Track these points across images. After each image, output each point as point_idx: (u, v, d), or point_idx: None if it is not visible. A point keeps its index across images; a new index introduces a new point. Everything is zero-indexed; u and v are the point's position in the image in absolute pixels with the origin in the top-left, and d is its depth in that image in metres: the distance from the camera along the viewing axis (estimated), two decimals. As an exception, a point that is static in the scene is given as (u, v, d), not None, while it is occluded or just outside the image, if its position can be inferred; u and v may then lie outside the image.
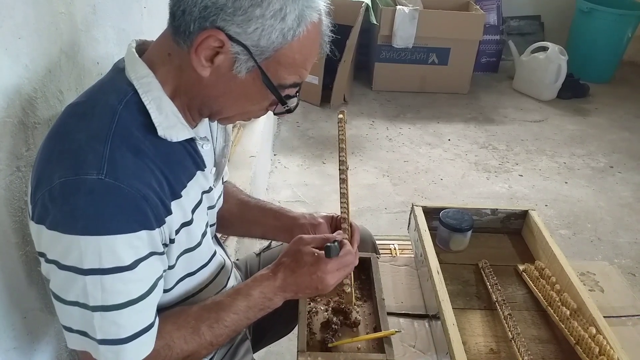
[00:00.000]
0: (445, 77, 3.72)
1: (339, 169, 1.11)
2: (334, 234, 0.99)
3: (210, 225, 0.99)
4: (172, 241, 0.79)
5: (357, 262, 1.05)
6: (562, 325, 1.04)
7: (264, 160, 2.52)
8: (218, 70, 0.75)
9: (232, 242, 1.68)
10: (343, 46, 3.24)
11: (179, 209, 0.80)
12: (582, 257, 2.30)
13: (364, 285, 1.18)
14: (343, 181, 1.10)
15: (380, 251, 1.96)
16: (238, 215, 1.16)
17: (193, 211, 0.85)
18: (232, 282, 1.05)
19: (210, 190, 0.91)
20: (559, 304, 1.07)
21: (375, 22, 3.44)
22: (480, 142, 3.22)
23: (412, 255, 1.32)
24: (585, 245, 2.40)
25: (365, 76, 3.85)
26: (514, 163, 3.02)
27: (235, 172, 2.05)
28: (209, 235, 0.92)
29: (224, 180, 1.20)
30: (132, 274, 0.70)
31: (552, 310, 1.09)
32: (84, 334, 0.72)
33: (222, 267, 0.99)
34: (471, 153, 3.09)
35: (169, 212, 0.76)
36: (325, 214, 1.11)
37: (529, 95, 3.82)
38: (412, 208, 1.33)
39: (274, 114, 0.84)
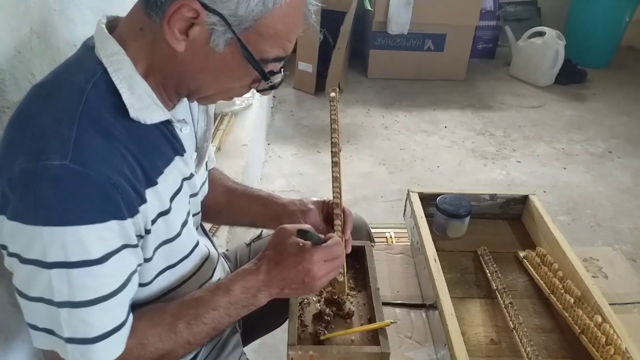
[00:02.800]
0: (442, 63, 3.66)
1: (331, 151, 1.05)
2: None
3: (194, 214, 0.94)
4: (147, 232, 0.74)
5: (349, 251, 1.00)
6: (566, 314, 1.00)
7: (257, 149, 2.47)
8: (194, 44, 0.69)
9: (223, 232, 1.63)
10: (337, 33, 3.17)
11: (155, 197, 0.74)
12: (582, 243, 2.25)
13: (358, 274, 1.13)
14: (335, 164, 1.04)
15: (376, 240, 1.92)
16: (225, 204, 1.11)
17: (172, 199, 0.79)
18: (218, 274, 1.00)
19: (191, 176, 0.86)
20: (562, 291, 1.02)
21: (370, 8, 3.37)
22: (477, 128, 3.17)
23: (408, 243, 1.27)
24: (585, 231, 2.36)
25: (360, 64, 3.79)
26: (512, 149, 2.97)
27: (227, 161, 2.00)
28: (190, 225, 0.86)
29: (211, 167, 1.15)
30: (102, 268, 0.65)
31: (554, 298, 1.04)
32: (50, 332, 0.67)
33: (207, 258, 0.94)
34: (468, 140, 3.04)
35: (143, 201, 0.71)
36: (316, 199, 1.06)
37: (526, 81, 3.77)
38: (408, 194, 1.28)
39: (257, 92, 0.78)
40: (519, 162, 2.86)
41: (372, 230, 1.84)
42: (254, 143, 2.30)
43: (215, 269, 0.99)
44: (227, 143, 2.13)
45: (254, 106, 2.45)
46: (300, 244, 0.85)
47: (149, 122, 0.73)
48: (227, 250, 1.29)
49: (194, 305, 0.80)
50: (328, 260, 0.85)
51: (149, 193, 0.73)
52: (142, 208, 0.71)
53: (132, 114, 0.71)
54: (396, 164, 2.77)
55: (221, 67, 0.72)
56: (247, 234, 1.48)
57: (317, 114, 3.17)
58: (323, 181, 2.57)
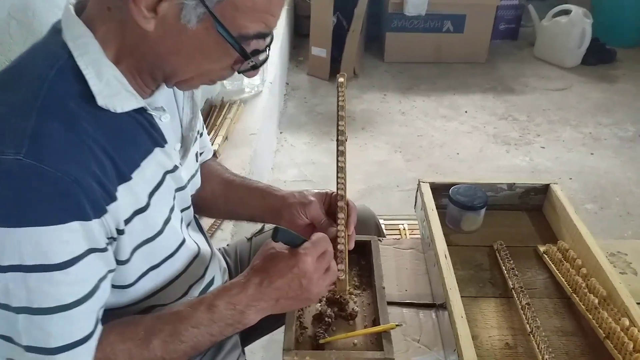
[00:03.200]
0: (461, 45, 3.52)
1: (337, 140, 0.98)
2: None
3: (183, 209, 0.87)
4: (121, 232, 0.68)
5: (352, 247, 0.93)
6: (590, 316, 0.91)
7: (266, 138, 2.40)
8: (164, 22, 0.62)
9: (228, 225, 1.57)
10: (351, 15, 3.07)
11: (129, 194, 0.68)
12: (610, 233, 2.13)
13: (363, 271, 1.06)
14: (341, 153, 0.97)
15: (389, 232, 1.83)
16: (222, 196, 1.04)
17: (151, 195, 0.73)
18: (212, 273, 0.94)
19: (175, 169, 0.79)
20: (586, 290, 0.93)
21: (385, -11, 3.26)
22: (499, 113, 3.04)
23: (420, 237, 1.19)
24: (614, 220, 2.23)
25: (376, 47, 3.68)
26: (536, 134, 2.85)
27: (235, 151, 1.94)
28: (174, 222, 0.80)
29: (207, 158, 1.09)
30: (64, 274, 0.59)
31: (577, 298, 0.95)
32: (8, 339, 0.61)
33: (196, 255, 0.87)
34: (489, 125, 2.92)
35: (113, 199, 0.64)
36: (317, 191, 0.99)
37: (551, 62, 3.61)
38: (419, 185, 1.20)
39: (239, 73, 0.71)
40: (543, 147, 2.73)
41: (385, 222, 1.77)
42: (263, 132, 2.23)
43: (207, 267, 0.93)
44: (235, 132, 2.06)
45: (264, 93, 2.38)
46: (290, 248, 0.78)
47: (119, 110, 0.66)
48: (227, 245, 1.22)
49: (171, 320, 0.73)
50: (320, 257, 0.78)
51: (121, 190, 0.66)
52: (111, 207, 0.64)
53: (100, 101, 0.64)
54: (413, 151, 2.67)
55: (196, 47, 0.65)
56: (253, 227, 1.41)
57: (332, 101, 3.08)
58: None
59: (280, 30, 3.06)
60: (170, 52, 0.66)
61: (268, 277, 0.75)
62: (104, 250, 0.65)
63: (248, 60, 0.66)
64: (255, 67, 0.69)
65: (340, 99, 1.00)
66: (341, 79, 1.01)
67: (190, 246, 0.85)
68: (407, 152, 2.66)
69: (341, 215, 0.92)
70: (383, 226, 1.78)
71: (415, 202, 1.24)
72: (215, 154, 1.86)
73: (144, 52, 0.66)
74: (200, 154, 1.04)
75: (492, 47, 3.64)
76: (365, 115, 2.96)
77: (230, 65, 0.70)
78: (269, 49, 0.70)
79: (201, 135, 1.02)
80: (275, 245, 0.78)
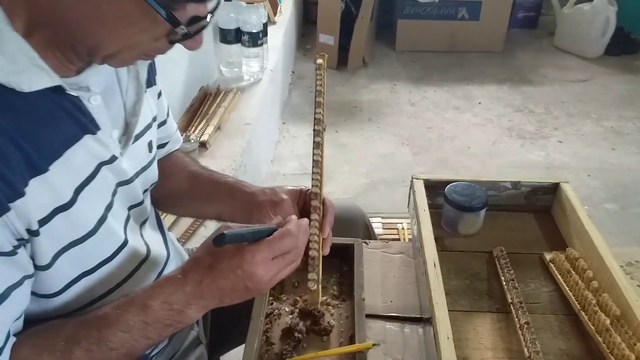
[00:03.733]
0: (477, 34, 3.36)
1: (314, 130, 0.86)
2: (275, 221, 0.74)
3: (131, 207, 0.76)
4: (34, 234, 0.57)
5: (326, 252, 0.82)
6: (599, 338, 0.78)
7: (265, 128, 2.28)
8: None
9: (211, 222, 1.46)
10: (360, 1, 2.93)
11: (45, 189, 0.57)
12: (631, 235, 1.98)
13: (344, 279, 0.94)
14: (318, 145, 0.85)
15: (387, 231, 1.71)
16: (187, 192, 0.93)
17: (78, 190, 0.62)
18: None
19: (113, 160, 0.68)
20: (596, 308, 0.80)
21: (397, -26, 3.11)
22: (515, 105, 2.88)
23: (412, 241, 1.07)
24: (635, 221, 2.07)
25: (387, 35, 3.53)
26: (553, 128, 2.69)
27: (226, 142, 1.83)
28: (112, 221, 0.69)
29: (174, 149, 0.98)
30: None
31: (586, 317, 0.82)
32: None
33: (145, 259, 0.77)
34: (504, 117, 2.77)
35: (19, 194, 0.54)
36: (291, 187, 0.87)
37: (572, 52, 3.43)
38: (412, 182, 1.07)
39: (170, 43, 0.60)
40: (561, 142, 2.57)
41: (383, 221, 1.65)
42: (260, 122, 2.12)
43: (162, 272, 0.82)
44: (229, 122, 1.95)
45: (263, 81, 2.26)
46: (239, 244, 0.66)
47: (27, 89, 0.55)
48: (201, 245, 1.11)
49: (97, 325, 0.62)
50: (277, 257, 0.67)
51: (33, 184, 0.56)
52: (17, 204, 0.54)
53: (2, 78, 0.54)
54: (422, 144, 2.53)
55: (118, 13, 0.54)
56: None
57: (339, 91, 2.96)
58: (339, 163, 2.37)
59: (287, 17, 2.94)
60: (89, 20, 0.55)
61: (209, 275, 0.64)
62: (10, 254, 0.55)
63: (176, 26, 0.55)
64: (188, 36, 0.58)
65: (318, 83, 0.88)
66: (320, 61, 0.89)
67: (135, 248, 0.75)
68: (415, 145, 2.52)
69: (315, 216, 0.80)
70: (380, 225, 1.67)
71: (409, 201, 1.12)
72: (205, 145, 1.77)
73: (59, 22, 0.56)
74: (165, 144, 0.94)
75: (510, 36, 3.47)
76: (373, 105, 2.83)
77: (165, 35, 0.58)
78: (212, 16, 0.59)
79: (164, 122, 0.91)
80: None
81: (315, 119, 0.87)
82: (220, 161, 1.72)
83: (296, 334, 0.82)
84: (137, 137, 0.76)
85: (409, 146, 2.52)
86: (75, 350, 0.60)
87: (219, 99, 2.00)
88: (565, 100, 2.93)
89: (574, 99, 2.93)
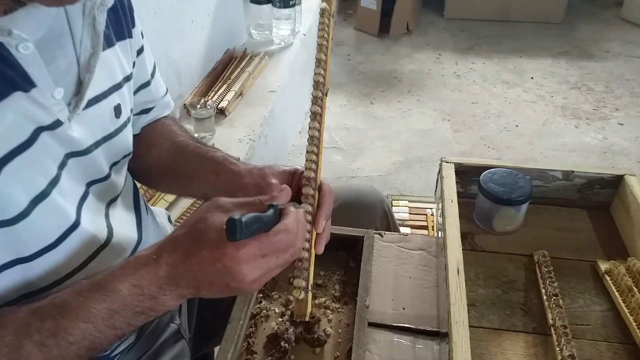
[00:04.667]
0: (534, 2, 3.08)
1: (313, 95, 0.69)
2: (279, 197, 0.59)
3: (91, 183, 0.64)
4: None
5: (320, 251, 0.67)
6: (666, 381, 0.61)
7: (294, 97, 2.13)
8: None
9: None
10: (406, -38, 2.70)
11: None
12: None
13: (349, 278, 0.80)
14: (315, 116, 0.69)
15: (414, 217, 1.53)
16: (170, 166, 0.79)
17: (5, 160, 0.50)
18: None
19: (57, 125, 0.55)
20: (664, 340, 0.63)
21: None
22: (572, 81, 2.61)
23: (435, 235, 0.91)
24: None
25: (435, 1, 3.27)
26: (614, 108, 2.41)
27: (248, 110, 1.69)
28: (58, 199, 0.56)
29: (163, 115, 0.85)
30: None
31: (649, 350, 0.65)
32: None
33: (104, 244, 0.64)
34: (558, 95, 2.51)
35: None
36: (283, 168, 0.72)
37: (641, 25, 3.09)
38: (441, 166, 0.90)
39: None
40: (622, 124, 2.31)
41: (411, 205, 1.48)
42: (288, 90, 1.96)
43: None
44: (253, 88, 1.81)
45: (294, 46, 2.09)
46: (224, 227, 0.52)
47: None
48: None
49: (53, 314, 0.51)
50: (268, 256, 0.54)
51: None
52: None
53: None
54: (464, 121, 2.32)
55: None
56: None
57: (378, 59, 2.76)
58: (372, 138, 2.19)
59: (326, -22, 2.73)
60: None
61: (185, 261, 0.52)
62: None
63: None
64: None
65: (320, 35, 0.70)
66: (324, 4, 0.70)
67: (90, 232, 0.62)
68: (457, 121, 2.31)
69: (307, 206, 0.64)
70: (407, 209, 1.50)
71: (436, 188, 0.95)
72: (223, 112, 1.63)
73: None
74: (149, 109, 0.80)
75: (571, 6, 3.16)
76: (414, 76, 2.62)
77: None
78: None
79: (147, 84, 0.78)
80: (208, 217, 0.53)
81: (314, 81, 0.70)
82: (238, 130, 1.58)
83: (282, 343, 0.68)
84: (97, 100, 0.62)
85: (450, 122, 2.31)
86: (27, 344, 0.49)
87: (244, 63, 1.86)
88: (629, 77, 2.63)
89: (641, 77, 2.64)
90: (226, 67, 1.85)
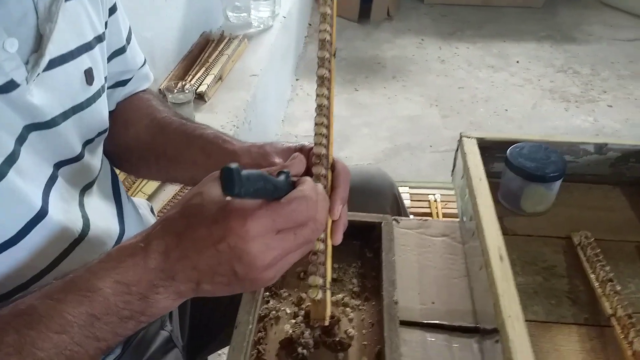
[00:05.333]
0: (515, -14, 3.02)
1: (319, 57, 0.58)
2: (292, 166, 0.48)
3: (59, 164, 0.52)
4: None
5: (338, 241, 0.56)
6: None
7: (276, 83, 2.01)
8: None
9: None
10: (386, -56, 2.61)
11: None
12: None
13: (367, 271, 0.69)
14: (323, 82, 0.58)
15: (416, 204, 1.44)
16: (151, 147, 0.67)
17: None
18: None
19: (12, 87, 0.43)
20: None
21: None
22: (557, 65, 2.56)
23: (457, 219, 0.81)
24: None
25: (415, -13, 3.20)
26: (601, 91, 2.37)
27: (229, 94, 1.57)
28: (17, 181, 0.45)
29: (142, 88, 0.73)
30: None
31: None
32: None
33: (80, 238, 0.52)
34: (545, 78, 2.45)
35: None
36: (287, 145, 0.61)
37: (621, 8, 3.07)
38: (461, 141, 0.80)
39: None
40: (611, 106, 2.27)
41: (411, 191, 1.37)
42: (270, 74, 1.84)
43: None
44: (232, 72, 1.68)
45: (274, 29, 1.98)
46: (227, 199, 0.40)
47: None
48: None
49: (16, 324, 0.38)
50: (284, 232, 0.42)
51: None
52: None
53: None
54: (452, 106, 2.24)
55: None
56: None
57: (359, 45, 2.66)
58: (358, 125, 2.09)
59: (303, -39, 2.62)
60: None
61: (179, 245, 0.40)
62: None
63: None
64: None
65: None
66: None
67: (62, 224, 0.50)
68: (445, 107, 2.23)
69: (319, 186, 0.53)
70: (407, 196, 1.40)
71: (454, 167, 0.85)
72: (203, 97, 1.50)
73: None
74: (126, 81, 0.68)
75: (551, -10, 3.12)
76: (397, 62, 2.53)
77: None
78: None
79: (122, 50, 0.66)
80: (204, 191, 0.41)
81: (319, 40, 0.58)
82: (220, 116, 1.46)
83: (300, 349, 0.57)
84: (63, 60, 0.50)
85: (437, 107, 2.23)
86: None
87: (222, 46, 1.73)
88: (614, 60, 2.60)
89: (625, 60, 2.60)
90: (203, 50, 1.72)
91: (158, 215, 0.91)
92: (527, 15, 3.00)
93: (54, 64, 0.48)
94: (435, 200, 1.29)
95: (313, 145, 0.57)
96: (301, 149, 0.59)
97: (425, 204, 1.29)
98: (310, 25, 2.85)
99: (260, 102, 1.71)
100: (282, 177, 0.43)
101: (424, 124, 2.13)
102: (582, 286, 0.66)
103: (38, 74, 0.46)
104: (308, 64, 2.53)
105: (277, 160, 0.57)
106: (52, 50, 0.47)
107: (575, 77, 2.47)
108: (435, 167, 1.87)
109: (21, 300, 0.40)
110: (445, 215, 1.29)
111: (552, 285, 0.67)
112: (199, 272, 0.40)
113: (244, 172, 0.36)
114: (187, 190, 1.17)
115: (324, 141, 0.56)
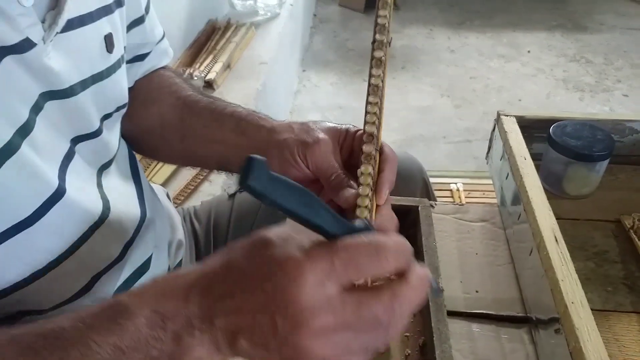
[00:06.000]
0: (524, -26, 2.96)
1: (377, 41, 0.53)
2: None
3: (77, 140, 0.47)
4: None
5: (393, 227, 0.49)
6: None
7: (283, 73, 1.96)
8: None
9: (219, 177, 1.16)
10: None
11: None
12: None
13: (405, 257, 0.63)
14: (379, 64, 0.52)
15: (437, 193, 1.39)
16: (176, 127, 0.61)
17: None
18: (147, 251, 0.54)
19: (28, 47, 0.38)
20: None
21: None
22: (570, 54, 2.51)
23: (494, 203, 0.76)
24: None
25: (422, -23, 3.14)
26: (616, 80, 2.32)
27: (238, 83, 1.51)
28: (31, 155, 0.40)
29: (161, 65, 0.68)
30: None
31: None
32: None
33: (100, 222, 0.47)
34: (558, 67, 2.40)
35: None
36: (332, 125, 0.55)
37: (632, -3, 3.02)
38: (498, 119, 0.76)
39: None
40: (626, 95, 2.21)
41: (432, 180, 1.33)
42: (278, 63, 1.79)
43: (132, 242, 0.53)
44: (241, 60, 1.63)
45: (281, 17, 1.92)
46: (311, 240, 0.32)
47: None
48: (201, 203, 0.81)
49: (43, 347, 0.32)
50: (353, 292, 0.31)
51: None
52: None
53: None
54: (464, 96, 2.19)
55: None
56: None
57: (366, 35, 2.60)
58: (369, 115, 2.04)
59: (308, -49, 2.57)
60: None
61: (225, 282, 0.32)
62: None
63: None
64: None
65: None
66: None
67: (82, 205, 0.45)
68: (457, 97, 2.18)
69: (368, 168, 0.48)
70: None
71: (489, 150, 0.80)
72: (211, 85, 1.45)
73: None
74: (144, 55, 0.63)
75: (561, -21, 3.07)
76: (407, 52, 2.47)
77: None
78: None
79: (141, 20, 0.60)
80: (280, 230, 0.33)
81: (378, 24, 0.54)
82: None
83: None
84: (82, 22, 0.45)
85: (449, 98, 2.18)
86: None
87: (229, 34, 1.68)
88: (627, 49, 2.55)
89: (639, 48, 2.55)
90: (210, 38, 1.67)
91: (174, 202, 0.86)
92: (537, 5, 2.95)
93: (72, 25, 0.43)
94: (458, 189, 1.24)
95: (358, 128, 0.52)
96: (346, 131, 0.53)
97: (447, 193, 1.24)
98: (315, 15, 2.80)
99: (270, 92, 1.65)
100: (359, 222, 0.33)
101: (436, 114, 2.08)
102: (638, 272, 0.62)
103: (56, 34, 0.41)
104: (315, 55, 2.48)
105: (322, 136, 0.51)
106: (72, 8, 0.42)
107: (588, 67, 2.41)
108: (450, 158, 1.82)
109: (51, 320, 0.33)
110: (469, 204, 1.24)
111: (605, 271, 0.62)
112: (239, 318, 0.32)
113: (275, 173, 0.29)
114: (196, 182, 1.12)
115: (376, 121, 0.50)
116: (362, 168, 0.47)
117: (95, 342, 0.32)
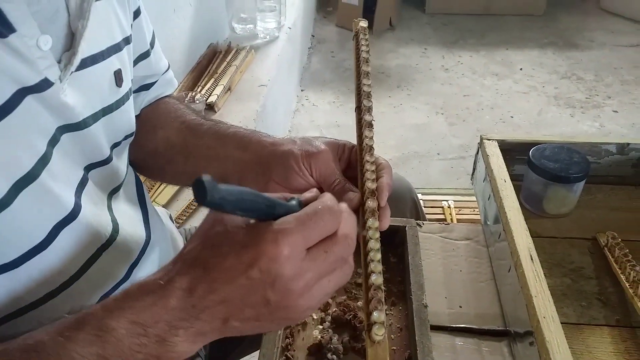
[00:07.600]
0: (516, -5, 3.04)
1: (358, 108, 0.59)
2: (307, 194, 0.46)
3: (89, 167, 0.51)
4: None
5: (385, 226, 0.52)
6: None
7: (282, 94, 2.01)
8: None
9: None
10: (388, -45, 2.63)
11: None
12: None
13: (393, 275, 0.68)
14: (368, 127, 0.58)
15: (429, 210, 1.43)
16: (181, 148, 0.65)
17: None
18: (149, 267, 0.59)
19: (46, 87, 0.43)
20: None
21: None
22: (561, 71, 2.57)
23: (478, 221, 0.80)
24: None
25: (416, -3, 3.22)
26: (606, 96, 2.37)
27: (239, 105, 1.57)
28: (49, 183, 0.44)
29: (166, 94, 0.72)
30: None
31: None
32: None
33: (108, 244, 0.52)
34: (549, 84, 2.46)
35: None
36: (330, 139, 0.59)
37: (622, 15, 3.09)
38: (481, 143, 0.80)
39: None
40: (616, 111, 2.27)
41: (424, 198, 1.37)
42: (277, 85, 1.84)
43: (136, 263, 0.57)
44: (241, 83, 1.68)
45: (280, 40, 1.98)
46: (251, 222, 0.38)
47: None
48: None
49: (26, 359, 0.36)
50: (313, 251, 0.38)
51: None
52: None
53: None
54: (458, 114, 2.24)
55: None
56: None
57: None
58: (366, 133, 2.09)
59: (306, -26, 2.64)
60: None
61: (205, 278, 0.36)
62: None
63: None
64: None
65: (362, 49, 0.61)
66: (362, 24, 0.62)
67: (93, 226, 0.50)
68: (451, 115, 2.24)
69: (368, 169, 0.52)
70: (422, 203, 1.40)
71: (474, 171, 0.85)
72: (213, 107, 1.50)
73: None
74: (150, 85, 0.68)
75: (552, -2, 3.15)
76: (402, 71, 2.53)
77: None
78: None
79: (147, 55, 0.65)
80: (225, 218, 0.38)
81: (360, 92, 0.62)
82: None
83: (329, 355, 0.56)
84: (94, 60, 0.50)
85: (443, 115, 2.23)
86: None
87: (229, 57, 1.74)
88: (617, 66, 2.61)
89: (628, 65, 2.61)
90: (211, 62, 1.73)
91: (176, 222, 0.90)
92: (529, 23, 3.02)
93: (85, 64, 0.48)
94: (449, 207, 1.28)
95: (354, 144, 0.57)
96: (344, 146, 0.58)
97: (439, 210, 1.29)
98: (313, 36, 2.86)
99: (269, 113, 1.71)
100: (293, 202, 0.40)
101: (430, 132, 2.13)
102: (611, 287, 0.66)
103: (71, 73, 0.45)
104: (313, 75, 2.53)
105: (323, 147, 0.55)
106: (85, 48, 0.47)
107: (579, 83, 2.47)
108: (444, 175, 1.87)
109: (30, 335, 0.37)
110: (459, 221, 1.28)
111: (581, 287, 0.66)
112: (227, 307, 0.36)
113: (224, 185, 0.33)
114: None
115: (374, 176, 0.54)
116: (363, 171, 0.51)
117: (77, 353, 0.35)
